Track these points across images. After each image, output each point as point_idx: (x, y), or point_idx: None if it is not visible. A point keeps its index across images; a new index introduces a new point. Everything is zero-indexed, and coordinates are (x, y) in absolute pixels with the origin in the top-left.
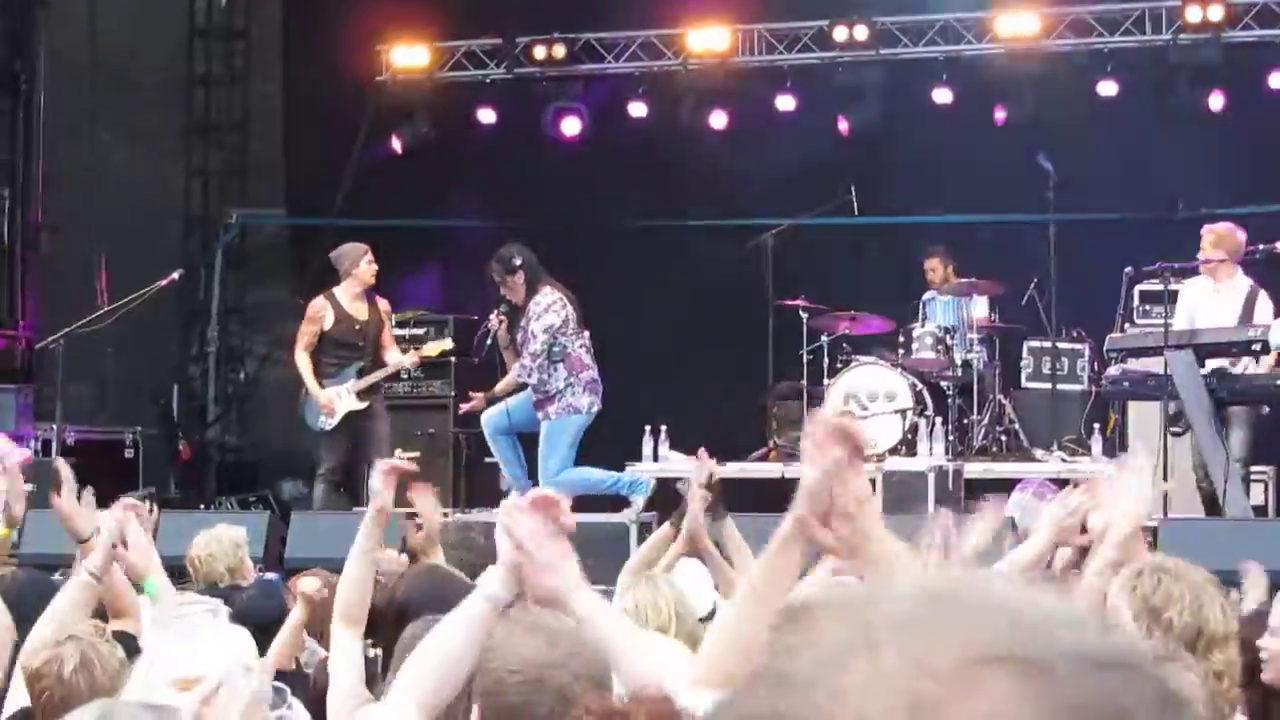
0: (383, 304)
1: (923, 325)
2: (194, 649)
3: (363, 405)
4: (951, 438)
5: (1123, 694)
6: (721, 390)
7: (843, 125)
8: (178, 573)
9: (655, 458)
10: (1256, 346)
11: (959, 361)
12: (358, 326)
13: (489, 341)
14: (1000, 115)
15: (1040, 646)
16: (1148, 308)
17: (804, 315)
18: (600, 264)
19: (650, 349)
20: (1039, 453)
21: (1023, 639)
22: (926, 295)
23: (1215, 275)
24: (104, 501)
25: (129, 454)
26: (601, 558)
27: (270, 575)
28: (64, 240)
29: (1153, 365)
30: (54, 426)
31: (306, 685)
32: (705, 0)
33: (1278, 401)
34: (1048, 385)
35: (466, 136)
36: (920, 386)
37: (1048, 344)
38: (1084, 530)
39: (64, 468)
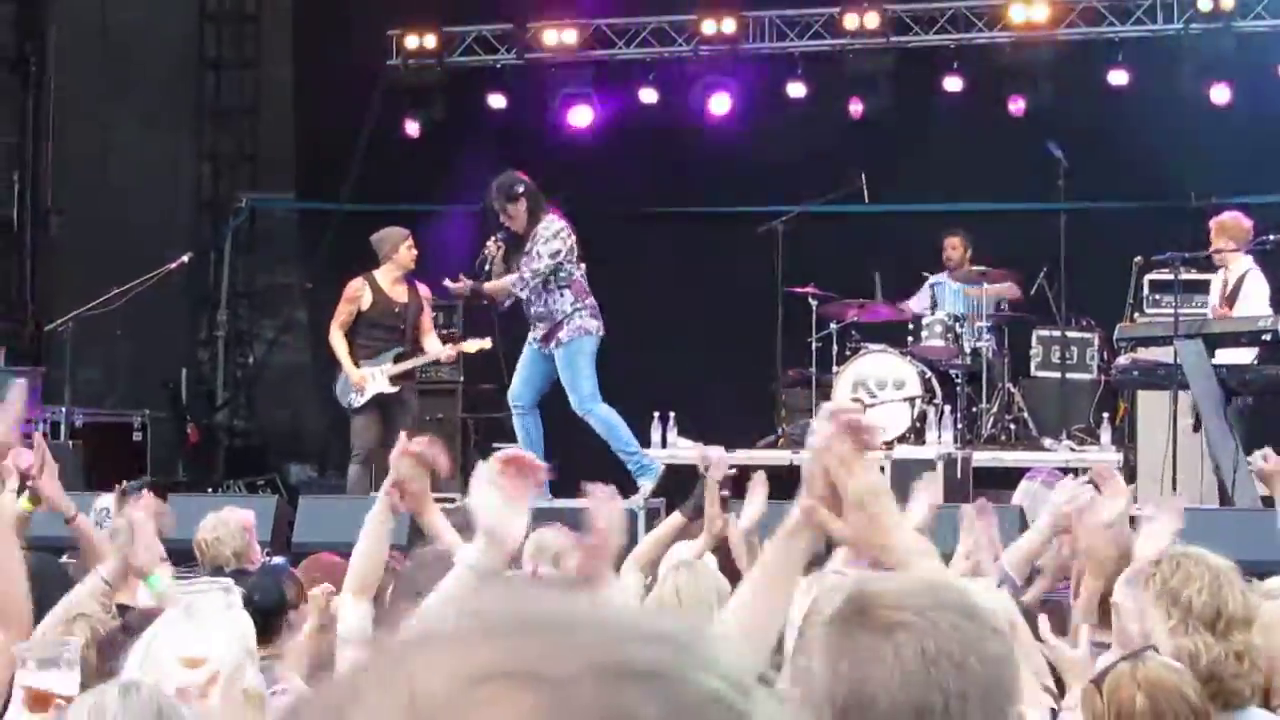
0: (423, 290)
1: (932, 312)
2: (204, 629)
3: (394, 389)
4: (960, 426)
5: (646, 707)
6: (730, 377)
7: (855, 108)
8: (185, 556)
9: (664, 444)
10: (1266, 336)
11: (968, 350)
12: (396, 310)
13: (487, 268)
14: (1011, 103)
15: (556, 661)
16: (1157, 297)
17: (813, 303)
18: (609, 250)
19: (659, 335)
20: (1048, 442)
21: (537, 654)
22: (935, 279)
23: (1226, 264)
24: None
25: (137, 437)
26: None
27: (278, 560)
28: (73, 223)
29: (1162, 354)
30: (63, 409)
31: None
32: None
33: None
34: (1057, 374)
35: (477, 122)
36: (929, 374)
37: (1057, 333)
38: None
39: (42, 447)
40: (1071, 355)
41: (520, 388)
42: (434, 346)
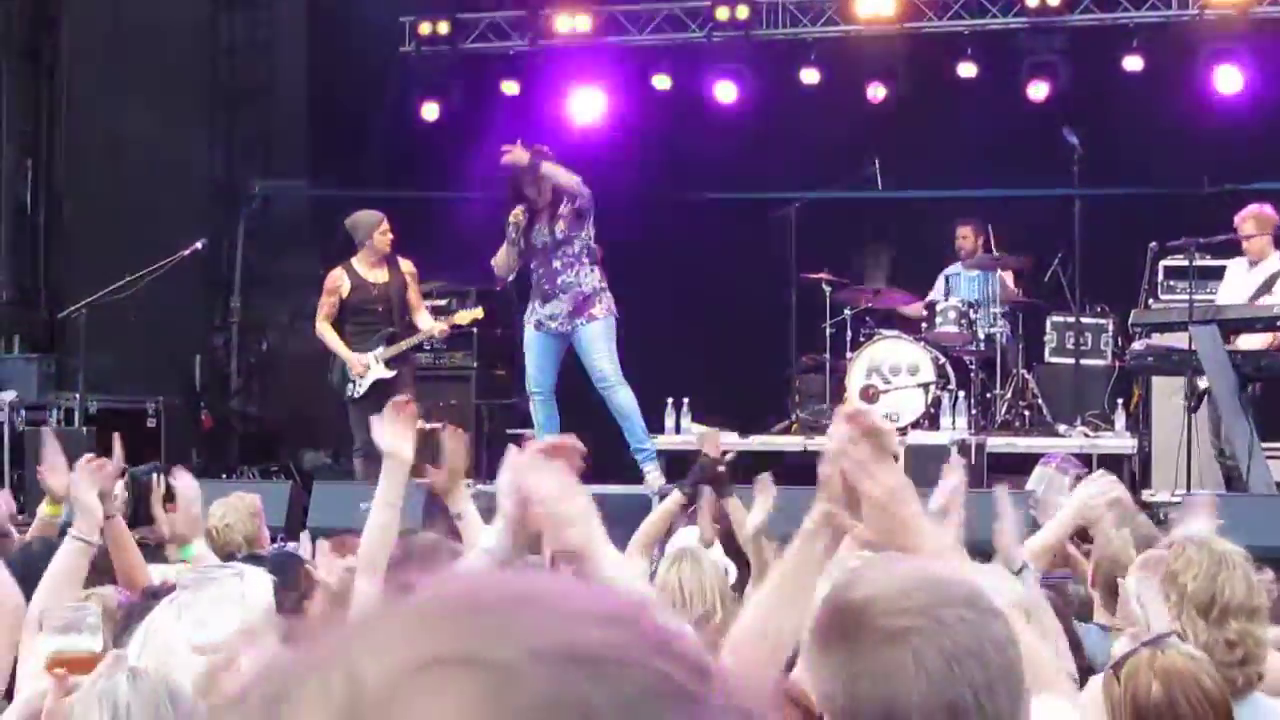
0: (406, 265)
1: (946, 299)
2: (217, 616)
3: (391, 374)
4: (974, 412)
5: (593, 692)
6: (744, 363)
7: (868, 94)
8: None
9: (677, 429)
10: None
11: (982, 335)
12: (375, 291)
13: (514, 235)
14: (1024, 89)
15: (499, 645)
16: (1172, 283)
17: (827, 289)
18: (622, 235)
19: (672, 321)
20: (1062, 427)
21: (480, 638)
22: (950, 269)
23: (1259, 254)
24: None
25: (151, 423)
26: (623, 529)
27: (291, 545)
28: (87, 210)
29: (1177, 340)
30: (76, 396)
31: None
32: None
33: None
34: (1071, 360)
35: (490, 108)
36: (943, 360)
37: (1071, 319)
38: None
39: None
40: (1086, 341)
41: (539, 374)
42: (426, 323)
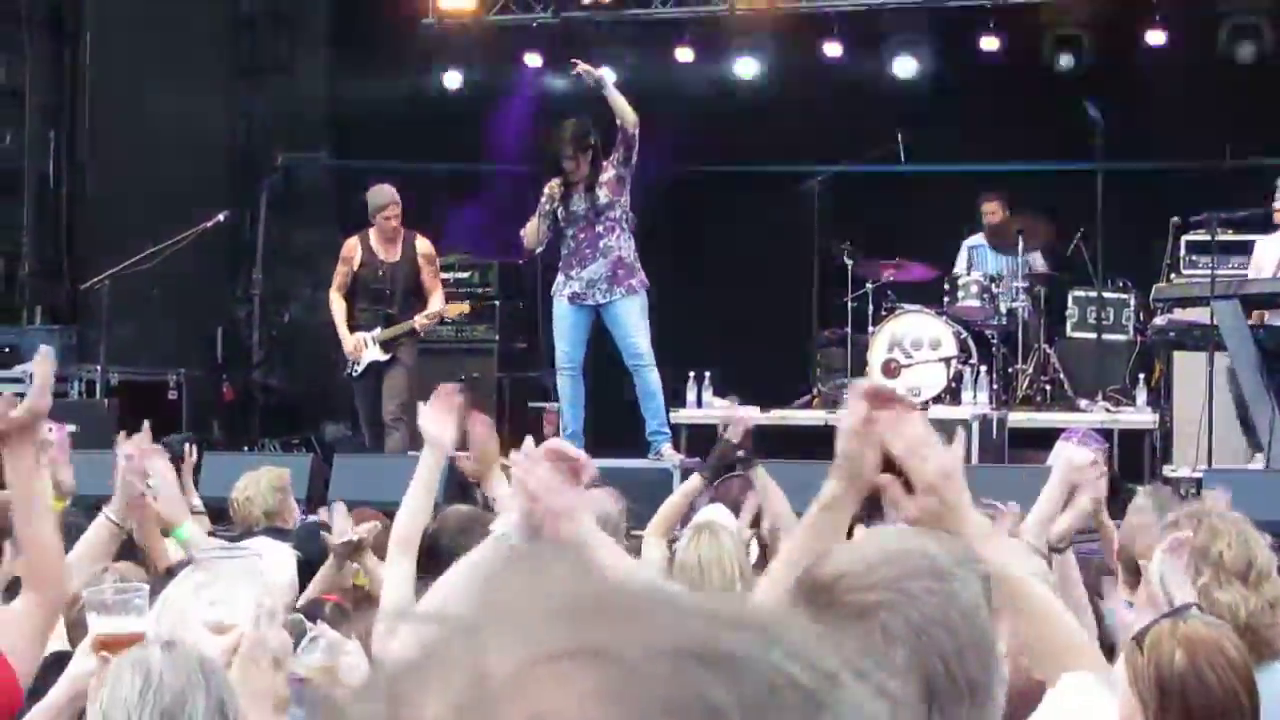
0: (423, 246)
1: (968, 273)
2: (230, 598)
3: (386, 357)
4: (996, 386)
5: (718, 692)
6: (765, 337)
7: (891, 68)
8: (221, 515)
9: (699, 403)
10: None
11: (1004, 310)
12: (381, 271)
13: (549, 207)
14: (1048, 63)
15: (627, 641)
16: (1194, 257)
17: (849, 261)
18: (645, 209)
19: (694, 295)
20: (1083, 402)
21: (608, 634)
22: (971, 241)
23: None
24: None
25: (173, 395)
26: (645, 502)
27: (314, 517)
28: (109, 182)
29: (1199, 315)
30: (98, 368)
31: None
32: None
33: None
34: (1093, 335)
35: (512, 81)
36: (965, 334)
37: (1093, 293)
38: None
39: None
40: (1108, 316)
41: (571, 349)
42: (435, 307)
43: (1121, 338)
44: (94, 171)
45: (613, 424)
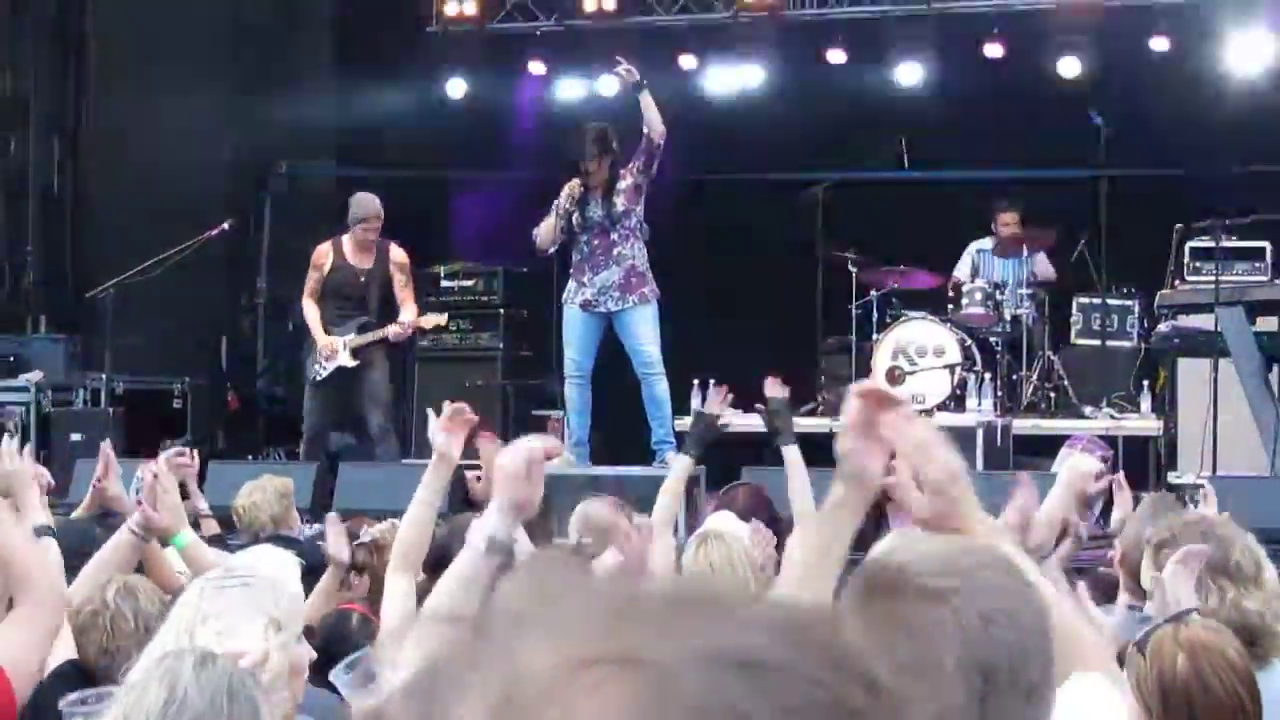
0: (397, 255)
1: (972, 279)
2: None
3: (354, 364)
4: (1000, 393)
5: (752, 699)
6: (770, 344)
7: (895, 75)
8: (224, 523)
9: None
10: None
11: (1008, 317)
12: (361, 279)
13: (568, 206)
14: (1051, 70)
15: (661, 647)
16: (1198, 264)
17: (852, 269)
18: (648, 217)
19: (698, 303)
20: (1088, 409)
21: (641, 639)
22: (978, 245)
23: None
24: (154, 451)
25: (177, 404)
26: (648, 510)
27: (318, 527)
28: (113, 190)
29: (1203, 321)
30: (103, 376)
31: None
32: None
33: None
34: (1097, 341)
35: (516, 89)
36: (969, 342)
37: (1097, 300)
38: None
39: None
40: (1112, 323)
41: (581, 357)
42: (408, 318)
43: (1126, 344)
44: (98, 181)
45: (616, 433)
